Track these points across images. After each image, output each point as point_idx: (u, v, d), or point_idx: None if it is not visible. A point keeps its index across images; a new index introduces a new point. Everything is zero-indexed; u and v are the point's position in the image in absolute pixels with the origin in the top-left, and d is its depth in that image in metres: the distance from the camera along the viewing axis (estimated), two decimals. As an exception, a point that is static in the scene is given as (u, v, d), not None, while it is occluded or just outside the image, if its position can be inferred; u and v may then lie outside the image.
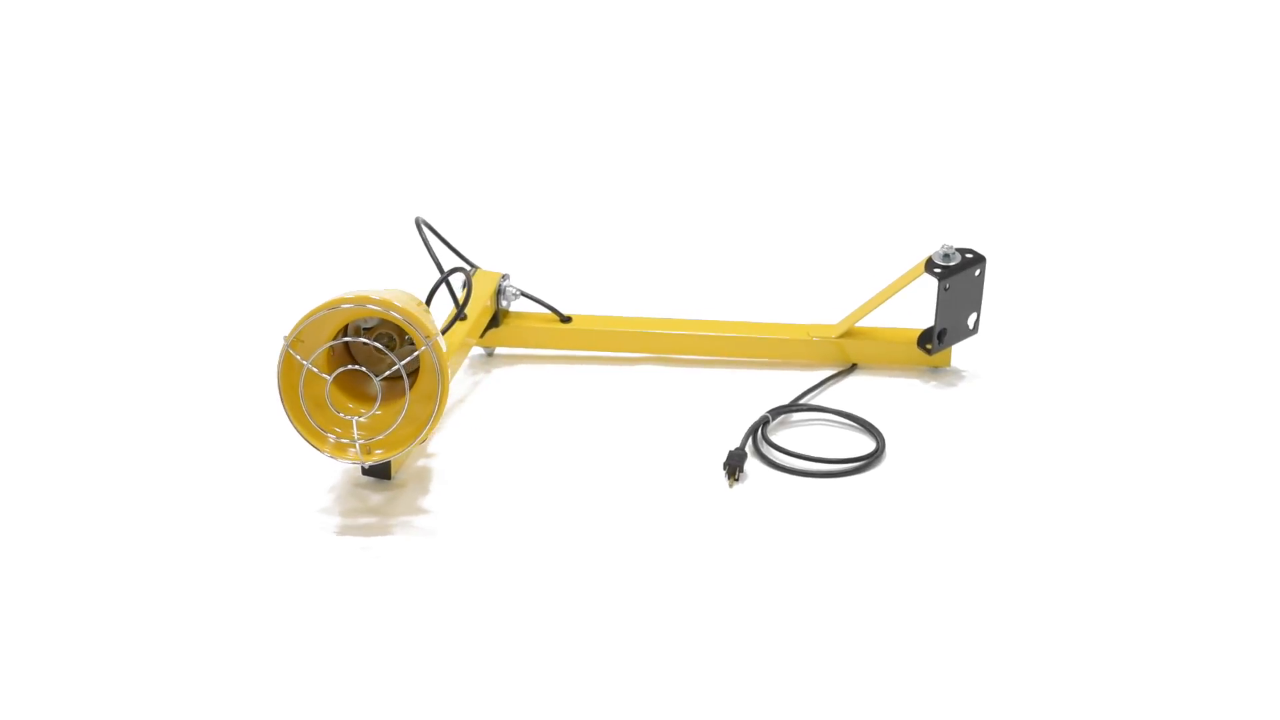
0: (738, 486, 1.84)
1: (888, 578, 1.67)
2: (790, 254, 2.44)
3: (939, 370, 2.09)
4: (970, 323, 2.05)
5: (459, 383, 2.08)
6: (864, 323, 2.10)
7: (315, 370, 1.66)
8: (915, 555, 1.71)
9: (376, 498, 1.80)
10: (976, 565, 1.69)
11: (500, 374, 2.10)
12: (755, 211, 2.61)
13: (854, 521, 1.77)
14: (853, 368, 2.10)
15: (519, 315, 2.15)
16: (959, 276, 2.01)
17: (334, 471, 1.83)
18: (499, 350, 2.17)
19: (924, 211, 2.58)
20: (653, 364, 2.12)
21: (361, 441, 1.68)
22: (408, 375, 1.71)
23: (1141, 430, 1.94)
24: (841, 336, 2.09)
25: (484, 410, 2.01)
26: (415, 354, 1.69)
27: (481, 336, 2.12)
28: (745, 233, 2.53)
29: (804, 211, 2.60)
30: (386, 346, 1.78)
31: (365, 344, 1.72)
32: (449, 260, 2.04)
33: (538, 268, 2.27)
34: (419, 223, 2.00)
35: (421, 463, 1.88)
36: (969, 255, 2.02)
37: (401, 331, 1.78)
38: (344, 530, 1.74)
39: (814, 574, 1.68)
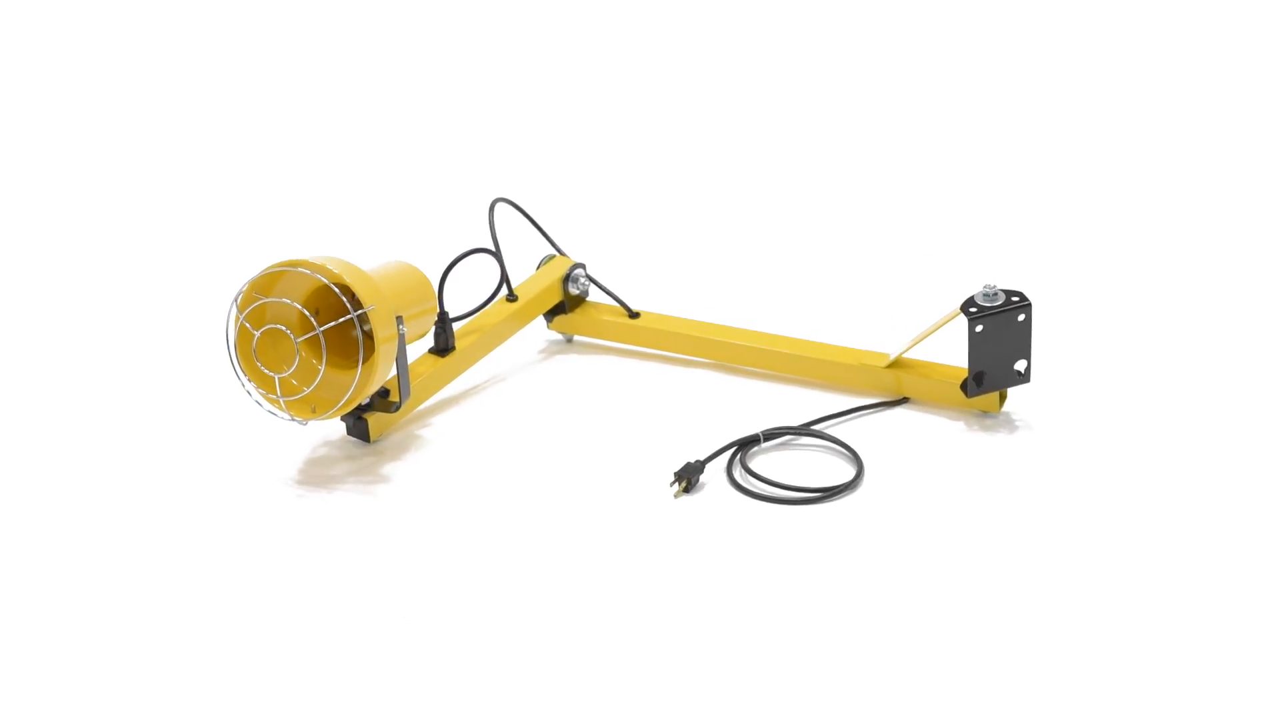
0: (686, 500, 1.82)
1: (783, 615, 1.62)
2: (898, 277, 2.37)
3: (988, 415, 1.99)
4: (1019, 369, 1.94)
5: (506, 362, 2.15)
6: (923, 356, 2.02)
7: (247, 325, 1.79)
8: (824, 598, 1.65)
9: (347, 456, 1.92)
10: (887, 622, 1.61)
11: (558, 361, 2.17)
12: (862, 228, 2.57)
13: (778, 551, 1.73)
14: (902, 401, 2.03)
15: (593, 305, 2.20)
16: (997, 319, 1.90)
17: (323, 428, 1.95)
18: (577, 338, 2.22)
19: (1037, 245, 2.47)
20: (709, 370, 2.12)
21: (288, 399, 1.79)
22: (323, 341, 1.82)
23: (1176, 515, 1.77)
24: (889, 366, 2.02)
25: (512, 392, 2.08)
26: (336, 321, 1.78)
27: (551, 322, 2.18)
28: (850, 248, 2.50)
29: (918, 235, 2.54)
30: None
31: (288, 304, 1.81)
32: (518, 244, 2.13)
33: (632, 262, 2.32)
34: (495, 204, 2.09)
35: (419, 431, 1.98)
36: (1015, 298, 1.91)
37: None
38: (294, 481, 1.86)
39: (706, 598, 1.65)
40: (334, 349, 1.87)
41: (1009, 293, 1.92)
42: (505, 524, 1.78)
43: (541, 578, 1.69)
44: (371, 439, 1.94)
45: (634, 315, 2.17)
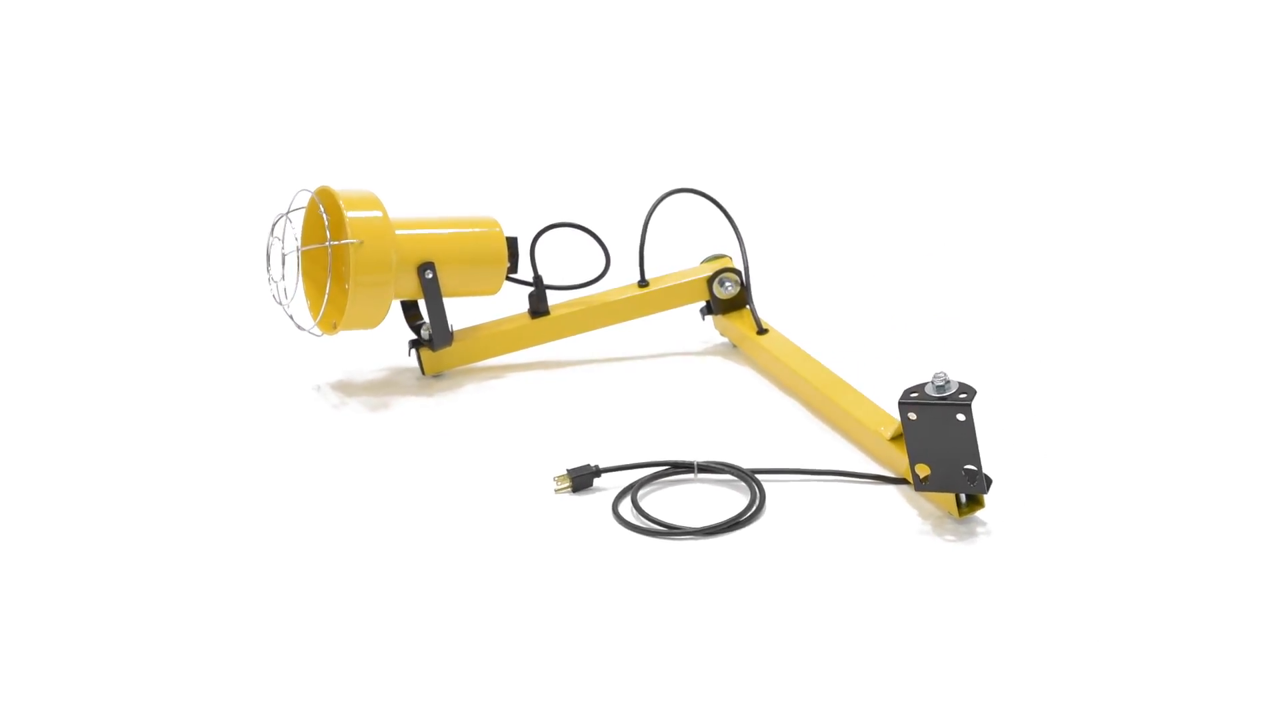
0: (567, 500, 1.83)
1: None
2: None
3: (949, 518, 1.78)
4: (967, 475, 1.72)
5: (641, 348, 2.22)
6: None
7: (274, 235, 2.06)
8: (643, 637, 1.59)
9: (393, 379, 2.14)
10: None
11: (687, 360, 2.20)
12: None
13: (603, 570, 1.69)
14: (903, 481, 1.87)
15: (743, 315, 2.20)
16: (931, 412, 1.71)
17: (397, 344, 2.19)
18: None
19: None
20: (793, 399, 2.07)
21: (283, 302, 2.05)
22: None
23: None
24: (893, 439, 1.87)
25: (606, 375, 2.15)
26: (312, 246, 2.01)
27: (704, 318, 2.23)
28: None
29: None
30: None
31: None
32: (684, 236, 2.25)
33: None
34: (670, 194, 2.18)
35: (492, 380, 2.14)
36: (964, 395, 1.71)
37: None
38: (325, 388, 2.11)
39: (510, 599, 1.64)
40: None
41: (964, 386, 1.71)
42: (430, 490, 1.84)
43: (402, 554, 1.72)
44: (426, 373, 2.14)
45: (762, 331, 2.14)
